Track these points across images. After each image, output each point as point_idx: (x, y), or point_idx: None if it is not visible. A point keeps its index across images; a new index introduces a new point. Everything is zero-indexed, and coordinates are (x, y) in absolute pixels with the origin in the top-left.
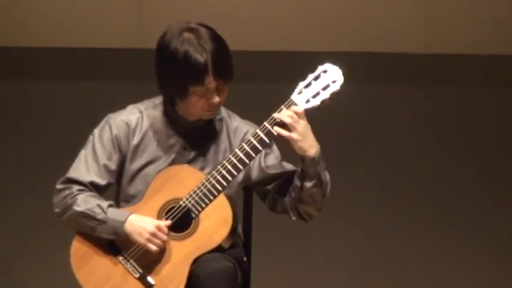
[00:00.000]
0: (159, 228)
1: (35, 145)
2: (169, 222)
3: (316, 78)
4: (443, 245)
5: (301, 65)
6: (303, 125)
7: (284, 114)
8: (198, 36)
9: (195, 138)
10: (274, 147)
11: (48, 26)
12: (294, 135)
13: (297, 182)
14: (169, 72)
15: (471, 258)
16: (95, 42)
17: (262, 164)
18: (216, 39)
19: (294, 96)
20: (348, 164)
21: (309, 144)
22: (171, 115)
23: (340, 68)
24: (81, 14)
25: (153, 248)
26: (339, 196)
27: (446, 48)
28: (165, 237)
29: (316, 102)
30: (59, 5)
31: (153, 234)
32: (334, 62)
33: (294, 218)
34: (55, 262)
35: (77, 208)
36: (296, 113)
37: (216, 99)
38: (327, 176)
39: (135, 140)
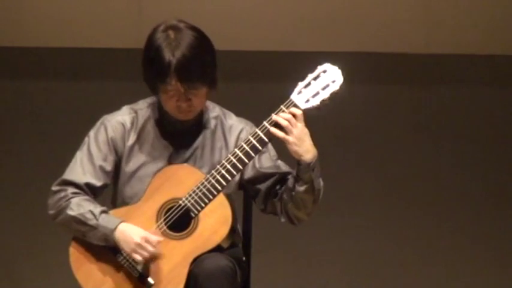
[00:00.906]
0: (146, 240)
1: (35, 145)
2: (160, 238)
3: (315, 78)
4: (443, 245)
5: (301, 65)
6: (300, 129)
7: (282, 116)
8: (177, 36)
9: (190, 137)
10: (270, 146)
11: (48, 26)
12: (290, 138)
13: (289, 185)
14: (144, 65)
15: (471, 258)
16: (95, 42)
17: (257, 163)
18: (194, 44)
19: (294, 96)
20: (347, 164)
21: (305, 149)
22: (164, 114)
23: (340, 68)
24: (81, 14)
25: (138, 258)
26: (339, 196)
27: (446, 48)
28: (152, 249)
29: (315, 102)
30: (59, 5)
31: (139, 246)
32: (334, 62)
33: (282, 220)
34: (55, 262)
35: (69, 212)
36: (294, 115)
37: (183, 102)
38: (320, 183)
39: (130, 141)
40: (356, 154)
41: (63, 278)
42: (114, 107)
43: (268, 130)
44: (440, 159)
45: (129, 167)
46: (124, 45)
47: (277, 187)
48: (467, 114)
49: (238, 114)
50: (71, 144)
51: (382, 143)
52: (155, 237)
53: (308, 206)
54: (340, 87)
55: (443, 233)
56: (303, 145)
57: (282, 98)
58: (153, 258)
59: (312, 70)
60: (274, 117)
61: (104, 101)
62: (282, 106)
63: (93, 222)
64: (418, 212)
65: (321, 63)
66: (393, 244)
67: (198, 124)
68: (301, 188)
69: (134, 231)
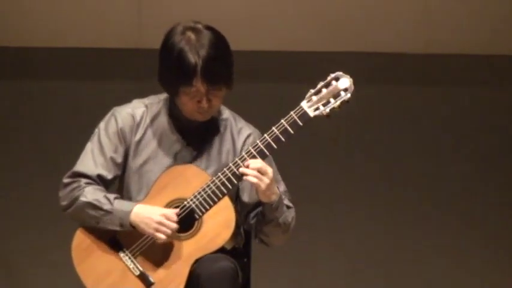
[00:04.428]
0: (166, 216)
1: (35, 145)
2: (176, 210)
3: (326, 86)
4: (444, 245)
5: (302, 65)
6: (270, 176)
7: (250, 174)
8: (198, 38)
9: (199, 136)
10: (271, 159)
11: (48, 26)
12: (261, 185)
13: (259, 217)
14: (164, 68)
15: (473, 258)
16: (95, 42)
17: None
18: (216, 45)
19: (304, 104)
20: (347, 164)
21: (270, 193)
22: (174, 111)
23: (340, 68)
24: (81, 14)
25: (162, 237)
26: (340, 196)
27: (446, 48)
28: (173, 225)
29: (325, 110)
30: (59, 5)
31: (160, 223)
32: (334, 62)
33: (256, 241)
34: (55, 262)
35: (83, 199)
36: (262, 165)
37: (205, 103)
38: (288, 217)
39: (138, 135)
40: (356, 154)
41: (64, 278)
42: (114, 106)
43: (277, 135)
44: (441, 159)
45: (135, 161)
46: (124, 45)
47: (256, 212)
48: (467, 114)
49: (239, 114)
50: (71, 144)
51: (382, 143)
52: (172, 211)
53: (279, 237)
54: (351, 96)
55: (445, 233)
56: (270, 189)
57: (281, 98)
58: (155, 257)
59: (313, 70)
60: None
61: (104, 101)
62: (291, 113)
63: (108, 206)
64: (419, 211)
65: (322, 63)
66: (394, 244)
67: (208, 124)
68: (268, 224)
69: (152, 210)
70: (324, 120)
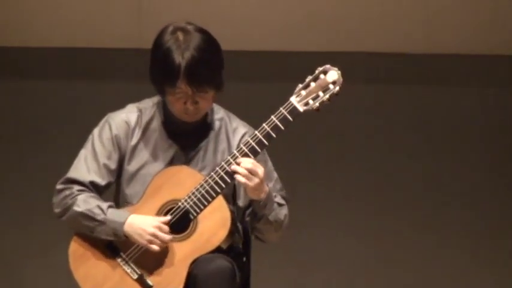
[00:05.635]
0: (159, 228)
1: (35, 145)
2: (168, 218)
3: (315, 80)
4: (444, 245)
5: (301, 65)
6: (260, 176)
7: (240, 172)
8: (186, 39)
9: (194, 138)
10: (266, 157)
11: (48, 26)
12: (250, 184)
13: (252, 214)
14: (152, 66)
15: (472, 258)
16: (95, 42)
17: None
18: (203, 47)
19: (293, 99)
20: (347, 164)
21: (259, 191)
22: (169, 114)
23: (340, 68)
24: (81, 14)
25: (155, 248)
26: (339, 196)
27: (446, 48)
28: (166, 237)
29: (315, 104)
30: (59, 5)
31: (154, 235)
32: (333, 62)
33: (252, 237)
34: (55, 262)
35: (76, 208)
36: (250, 169)
37: (190, 105)
38: (279, 215)
39: (134, 140)
40: (355, 154)
41: (64, 278)
42: (114, 107)
43: (268, 132)
44: (440, 159)
45: (131, 166)
46: (124, 45)
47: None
48: (467, 114)
49: (236, 113)
50: (71, 144)
51: (381, 143)
52: (164, 219)
53: (271, 233)
54: (340, 88)
55: (444, 233)
56: (258, 188)
57: (281, 98)
58: (152, 260)
59: (312, 70)
60: (242, 164)
61: (104, 101)
62: (281, 108)
63: (101, 217)
64: (418, 212)
65: (320, 63)
66: (393, 244)
67: (203, 125)
68: (259, 221)
69: (146, 221)
70: (323, 120)
